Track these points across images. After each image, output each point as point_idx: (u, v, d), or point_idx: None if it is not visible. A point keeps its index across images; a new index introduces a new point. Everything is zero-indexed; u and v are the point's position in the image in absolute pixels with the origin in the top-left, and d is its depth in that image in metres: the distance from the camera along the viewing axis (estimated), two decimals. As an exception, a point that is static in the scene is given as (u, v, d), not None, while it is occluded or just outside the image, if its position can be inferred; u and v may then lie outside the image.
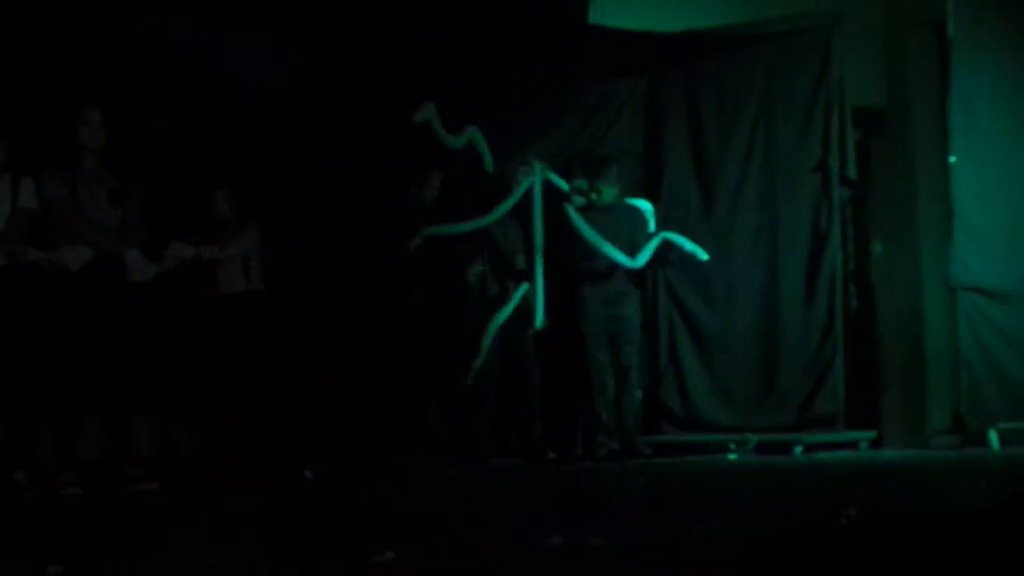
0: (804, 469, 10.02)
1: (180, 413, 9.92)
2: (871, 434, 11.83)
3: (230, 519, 7.70)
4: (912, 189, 12.47)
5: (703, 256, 11.29)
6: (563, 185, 11.43)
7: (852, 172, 11.75)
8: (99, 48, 10.25)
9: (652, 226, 11.54)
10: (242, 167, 10.37)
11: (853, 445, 11.62)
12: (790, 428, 11.43)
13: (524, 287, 11.09)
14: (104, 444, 9.55)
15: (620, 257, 11.13)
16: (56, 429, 9.46)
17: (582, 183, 11.41)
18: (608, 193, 11.35)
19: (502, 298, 11.06)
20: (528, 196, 11.24)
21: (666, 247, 11.39)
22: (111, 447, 9.56)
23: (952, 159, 11.85)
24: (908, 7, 12.63)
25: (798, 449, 11.26)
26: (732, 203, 11.84)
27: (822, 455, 11.12)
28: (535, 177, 11.22)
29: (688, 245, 11.31)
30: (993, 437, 11.48)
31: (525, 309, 11.03)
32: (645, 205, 11.62)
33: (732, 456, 11.15)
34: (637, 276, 11.51)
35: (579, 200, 11.38)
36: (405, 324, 10.76)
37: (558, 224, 11.26)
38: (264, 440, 10.01)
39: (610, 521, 6.86)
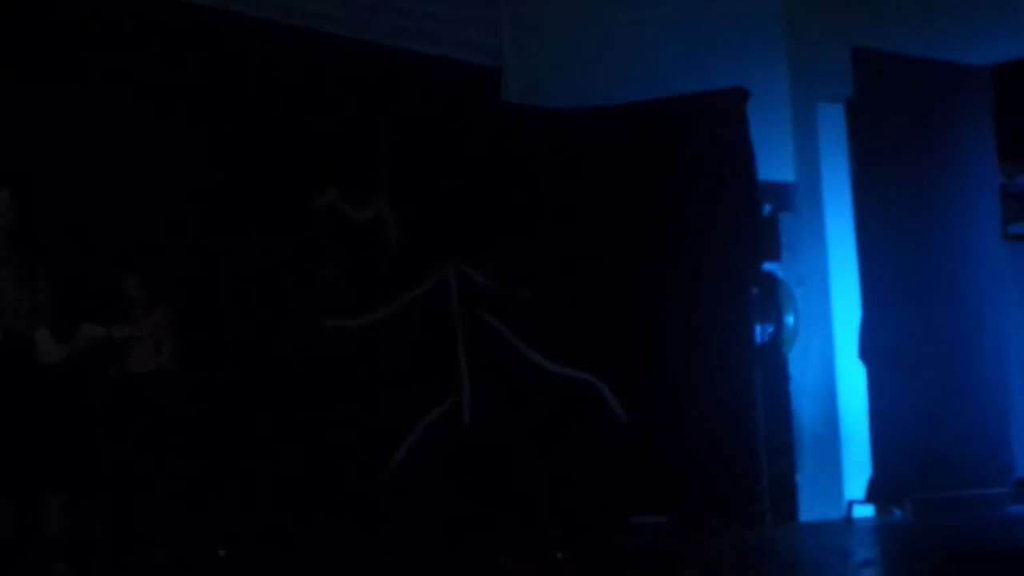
0: (721, 546, 10.04)
1: (92, 494, 9.81)
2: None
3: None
4: (823, 261, 12.59)
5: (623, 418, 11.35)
6: (481, 280, 11.35)
7: (764, 246, 11.85)
8: (8, 127, 10.20)
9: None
10: (153, 247, 10.30)
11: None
12: (708, 507, 11.43)
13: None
14: (15, 526, 9.44)
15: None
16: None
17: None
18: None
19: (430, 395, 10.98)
20: (441, 291, 11.15)
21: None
22: (22, 529, 9.45)
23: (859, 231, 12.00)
24: (815, 82, 12.81)
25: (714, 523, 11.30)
26: (640, 280, 11.80)
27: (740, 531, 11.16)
28: (449, 270, 11.16)
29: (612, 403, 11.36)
30: (907, 507, 11.55)
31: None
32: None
33: None
34: None
35: None
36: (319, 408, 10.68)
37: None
38: (176, 520, 9.92)
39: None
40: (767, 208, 12.43)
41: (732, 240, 11.69)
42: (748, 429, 11.58)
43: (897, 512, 11.77)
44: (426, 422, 10.85)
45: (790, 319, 12.49)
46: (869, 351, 11.76)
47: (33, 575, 9.22)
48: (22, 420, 9.44)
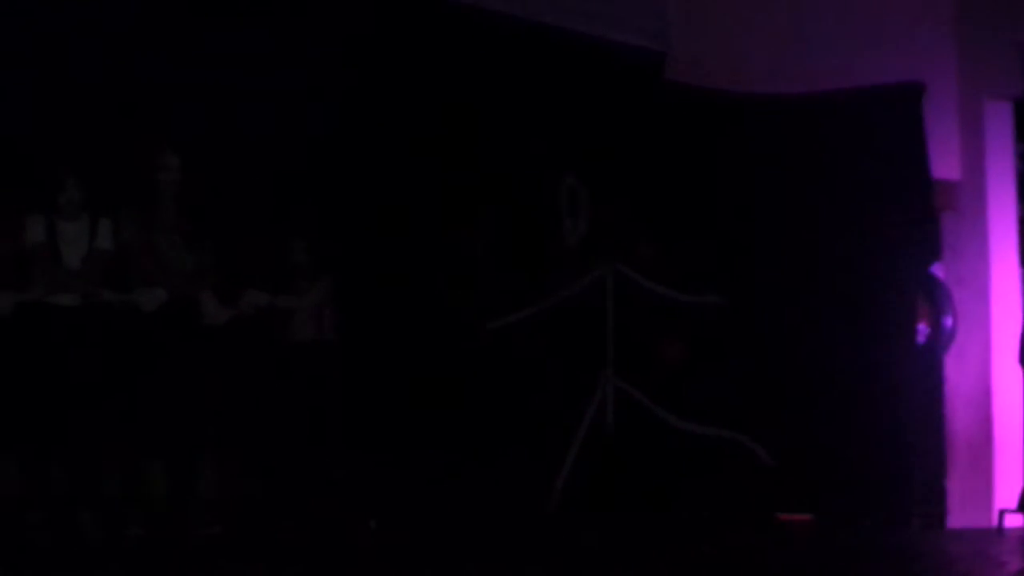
0: (869, 547, 9.95)
1: (246, 457, 9.92)
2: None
3: (292, 566, 7.72)
4: (984, 263, 12.38)
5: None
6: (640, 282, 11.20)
7: (932, 245, 11.67)
8: (181, 92, 10.33)
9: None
10: (319, 216, 10.37)
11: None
12: (856, 507, 11.32)
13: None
14: (169, 486, 9.57)
15: None
16: (123, 470, 9.50)
17: None
18: None
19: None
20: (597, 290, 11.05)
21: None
22: (176, 489, 9.58)
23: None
24: (984, 78, 12.57)
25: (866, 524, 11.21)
26: (809, 272, 11.65)
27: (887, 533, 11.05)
28: (605, 271, 11.03)
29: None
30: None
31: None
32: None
33: None
34: None
35: None
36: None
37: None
38: (330, 488, 10.01)
39: None
40: (931, 205, 12.23)
41: (903, 239, 11.49)
42: (901, 431, 11.43)
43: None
44: (580, 436, 10.78)
45: (948, 321, 12.29)
46: (1029, 356, 11.56)
47: (186, 535, 9.32)
48: (182, 380, 9.58)
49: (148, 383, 9.52)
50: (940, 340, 12.21)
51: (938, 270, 12.39)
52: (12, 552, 8.35)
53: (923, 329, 12.12)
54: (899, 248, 11.59)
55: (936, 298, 12.24)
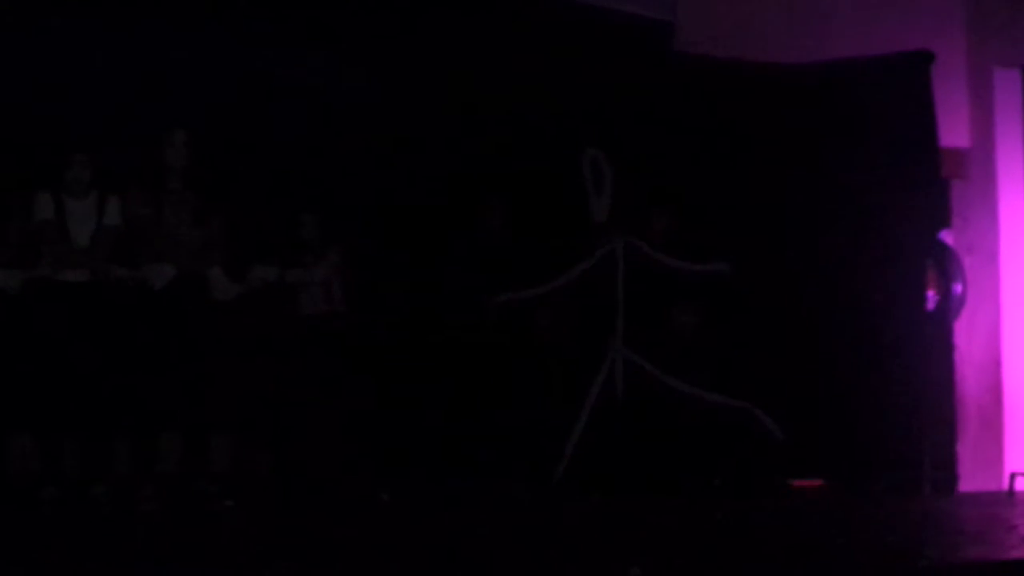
0: (881, 512, 9.95)
1: (258, 432, 9.94)
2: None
3: (304, 539, 7.74)
4: (993, 229, 12.38)
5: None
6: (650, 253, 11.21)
7: (941, 212, 11.65)
8: (187, 68, 10.36)
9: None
10: (329, 189, 10.36)
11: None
12: (867, 473, 11.32)
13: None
14: (181, 461, 9.61)
15: None
16: (135, 445, 9.54)
17: None
18: None
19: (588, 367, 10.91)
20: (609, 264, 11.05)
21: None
22: (188, 464, 9.62)
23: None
24: (993, 46, 12.56)
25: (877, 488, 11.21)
26: (818, 241, 11.60)
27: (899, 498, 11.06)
28: (616, 244, 11.01)
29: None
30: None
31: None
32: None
33: None
34: None
35: None
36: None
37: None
38: (341, 462, 10.04)
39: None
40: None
41: (911, 206, 11.46)
42: (911, 397, 11.42)
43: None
44: (589, 405, 10.78)
45: (957, 287, 12.30)
46: (1038, 322, 11.59)
47: (199, 509, 9.36)
48: (192, 356, 9.62)
49: (159, 358, 9.57)
50: (950, 306, 12.23)
51: (948, 237, 12.41)
52: (27, 528, 8.39)
53: (933, 296, 12.13)
54: (908, 216, 11.56)
55: (946, 265, 12.25)
